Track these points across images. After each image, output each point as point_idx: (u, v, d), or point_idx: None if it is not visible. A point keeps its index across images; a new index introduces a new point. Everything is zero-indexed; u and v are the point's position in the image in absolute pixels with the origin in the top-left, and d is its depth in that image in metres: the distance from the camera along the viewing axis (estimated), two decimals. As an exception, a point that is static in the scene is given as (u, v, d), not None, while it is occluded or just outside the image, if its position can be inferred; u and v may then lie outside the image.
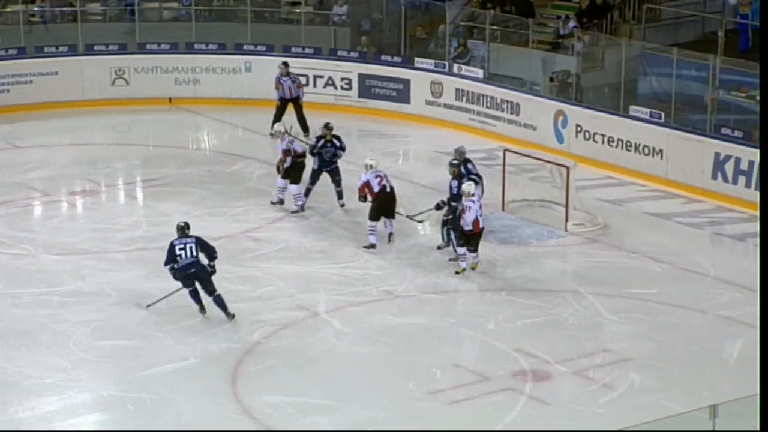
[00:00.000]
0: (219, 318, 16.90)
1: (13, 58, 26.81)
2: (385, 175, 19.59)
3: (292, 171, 20.84)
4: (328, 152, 20.71)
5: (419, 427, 14.18)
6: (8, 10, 27.46)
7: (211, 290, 16.73)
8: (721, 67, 23.16)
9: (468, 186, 18.17)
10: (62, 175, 22.93)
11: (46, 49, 27.13)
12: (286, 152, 20.75)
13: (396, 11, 27.66)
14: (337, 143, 20.83)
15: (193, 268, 16.66)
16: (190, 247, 16.68)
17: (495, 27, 26.73)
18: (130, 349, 16.12)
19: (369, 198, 19.51)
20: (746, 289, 18.11)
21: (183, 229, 16.91)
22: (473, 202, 17.99)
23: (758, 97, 21.85)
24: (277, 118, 24.88)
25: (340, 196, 20.99)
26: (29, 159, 23.82)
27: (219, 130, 26.82)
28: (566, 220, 20.42)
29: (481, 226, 18.10)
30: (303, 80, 25.98)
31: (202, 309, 16.84)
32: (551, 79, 25.56)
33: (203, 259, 16.70)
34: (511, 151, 21.98)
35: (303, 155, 21.02)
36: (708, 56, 23.39)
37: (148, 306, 16.91)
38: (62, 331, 16.51)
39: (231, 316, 16.72)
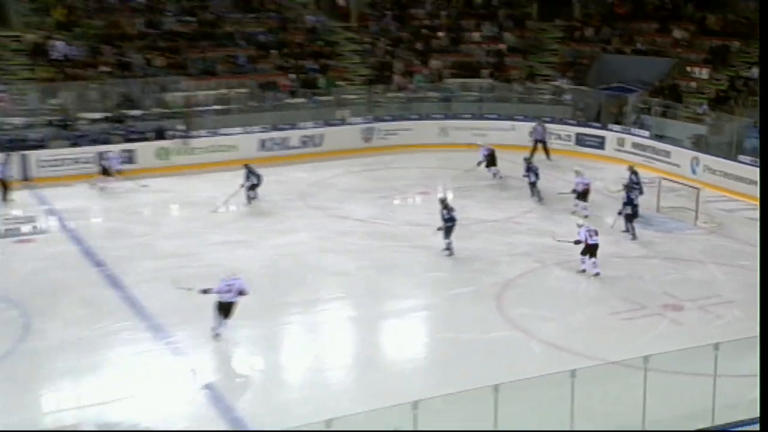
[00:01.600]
0: (492, 263, 16.87)
1: (389, 120, 27.12)
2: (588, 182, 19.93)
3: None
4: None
5: (598, 333, 13.79)
6: (395, 95, 27.99)
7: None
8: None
9: (578, 221, 17.13)
10: (412, 183, 23.12)
11: (410, 116, 27.30)
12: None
13: (598, 98, 26.79)
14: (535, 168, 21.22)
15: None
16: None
17: (658, 107, 25.50)
18: (442, 278, 16.30)
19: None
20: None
21: (445, 201, 17.40)
22: (581, 228, 16.31)
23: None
24: (532, 151, 24.85)
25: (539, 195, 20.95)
26: (396, 175, 23.96)
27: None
28: (696, 219, 19.34)
29: (590, 243, 16.07)
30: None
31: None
32: (690, 139, 24.25)
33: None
34: (665, 179, 21.04)
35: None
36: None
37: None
38: (409, 266, 16.82)
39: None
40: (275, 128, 25.63)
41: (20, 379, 12.19)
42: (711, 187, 21.80)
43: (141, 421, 11.00)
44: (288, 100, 26.68)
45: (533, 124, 25.68)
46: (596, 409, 10.52)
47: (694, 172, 22.83)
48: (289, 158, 25.07)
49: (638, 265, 17.02)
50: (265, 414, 11.37)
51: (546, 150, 25.28)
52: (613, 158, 25.24)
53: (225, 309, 13.05)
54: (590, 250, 16.18)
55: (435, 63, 29.38)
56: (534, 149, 25.14)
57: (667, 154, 23.93)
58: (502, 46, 30.27)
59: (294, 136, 25.73)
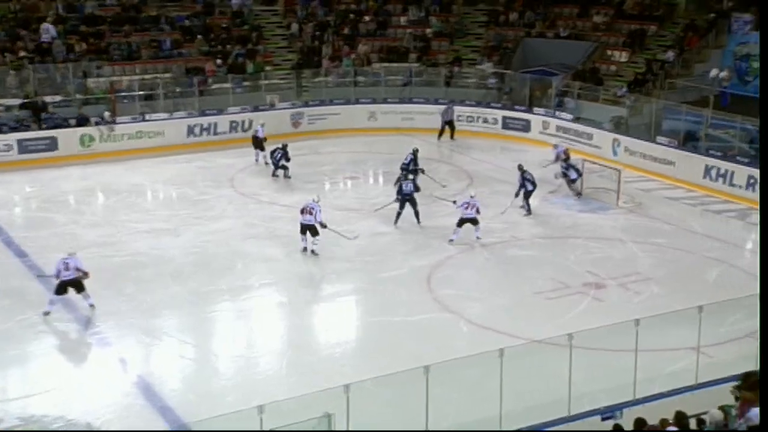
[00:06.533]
0: (423, 246, 16.92)
1: (317, 105, 26.85)
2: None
3: None
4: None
5: (524, 312, 13.92)
6: (323, 79, 27.71)
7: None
8: (710, 116, 22.01)
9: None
10: (340, 168, 23.06)
11: (334, 101, 27.13)
12: None
13: (523, 81, 27.06)
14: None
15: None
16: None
17: (580, 90, 25.88)
18: (372, 262, 16.19)
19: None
20: (721, 240, 17.35)
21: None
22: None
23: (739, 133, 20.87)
24: (441, 131, 25.73)
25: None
26: (323, 160, 23.78)
27: (423, 146, 26.35)
28: (617, 199, 19.72)
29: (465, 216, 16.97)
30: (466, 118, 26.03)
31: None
32: (611, 121, 24.72)
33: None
34: (588, 161, 21.23)
35: None
36: (703, 109, 22.29)
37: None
38: (338, 251, 16.50)
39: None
40: (202, 114, 25.16)
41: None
42: (630, 167, 22.20)
43: (65, 413, 10.67)
44: (215, 86, 26.18)
45: (444, 106, 26.01)
46: (524, 386, 10.67)
47: (615, 153, 23.28)
48: (217, 144, 24.62)
49: (562, 245, 17.30)
50: (195, 402, 11.17)
51: (452, 130, 25.74)
52: (538, 141, 25.54)
53: (65, 286, 13.41)
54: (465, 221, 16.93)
55: (362, 47, 29.22)
56: (442, 129, 25.66)
57: (590, 136, 24.30)
58: (428, 31, 30.31)
59: (222, 121, 25.29)
